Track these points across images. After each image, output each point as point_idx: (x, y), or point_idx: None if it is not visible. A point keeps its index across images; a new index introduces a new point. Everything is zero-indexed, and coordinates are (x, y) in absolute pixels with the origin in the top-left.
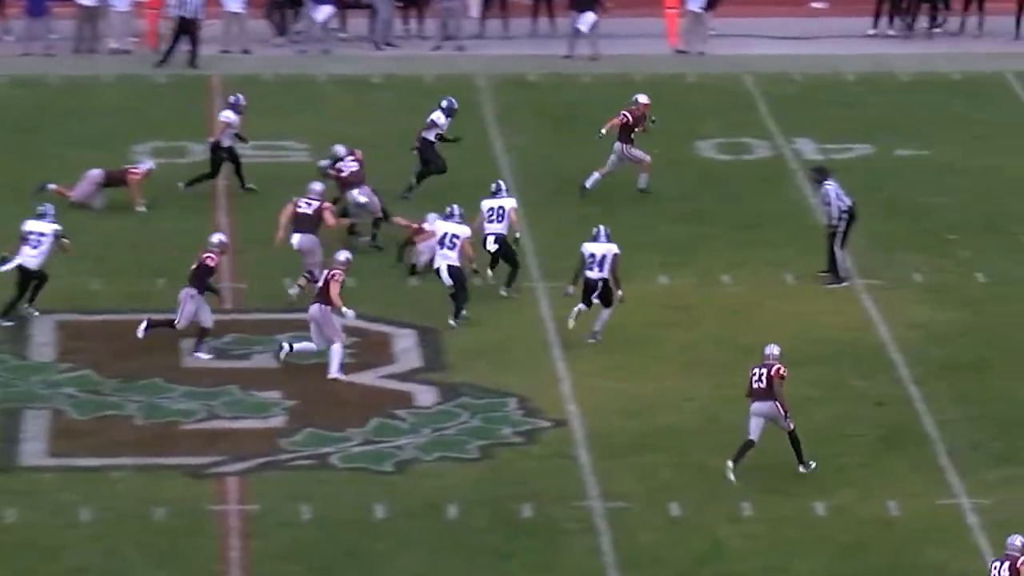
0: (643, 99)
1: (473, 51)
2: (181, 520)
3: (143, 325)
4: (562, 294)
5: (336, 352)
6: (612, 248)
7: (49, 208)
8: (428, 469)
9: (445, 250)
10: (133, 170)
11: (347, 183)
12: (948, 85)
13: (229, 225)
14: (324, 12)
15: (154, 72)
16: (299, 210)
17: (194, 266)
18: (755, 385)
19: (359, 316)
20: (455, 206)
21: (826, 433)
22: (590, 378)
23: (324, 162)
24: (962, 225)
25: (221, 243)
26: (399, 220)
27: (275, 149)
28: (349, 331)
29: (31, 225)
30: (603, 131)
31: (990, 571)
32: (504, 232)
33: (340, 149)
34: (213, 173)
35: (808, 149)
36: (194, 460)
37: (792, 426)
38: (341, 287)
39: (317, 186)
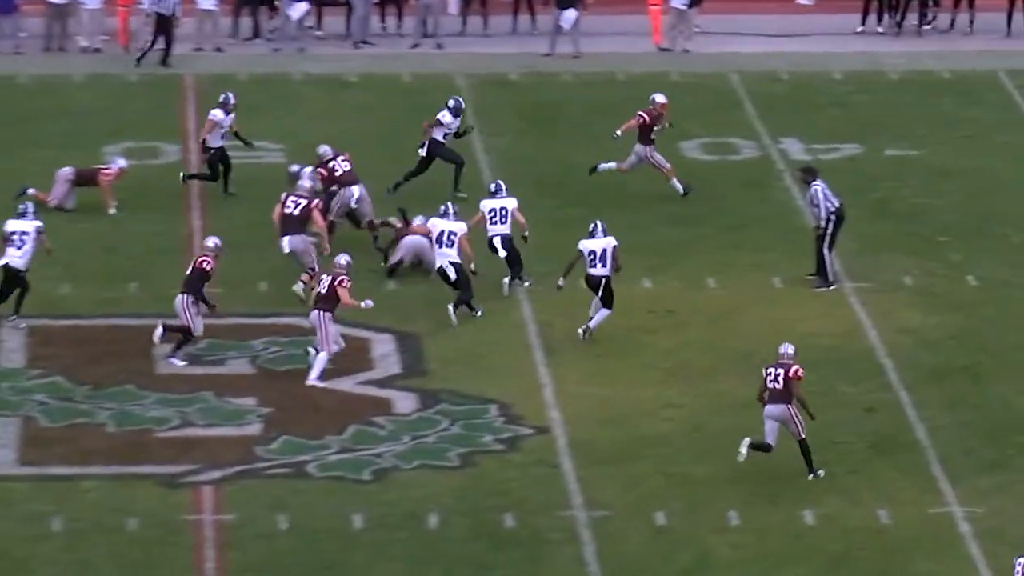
0: (660, 99)
1: (452, 49)
2: (155, 531)
3: (159, 331)
4: (555, 289)
5: (320, 360)
6: (611, 241)
7: (29, 206)
8: (407, 478)
9: (444, 248)
10: (105, 171)
11: (341, 183)
12: (939, 84)
13: (203, 228)
14: (299, 9)
15: (126, 71)
16: (286, 211)
17: (189, 271)
18: (770, 386)
19: (335, 321)
20: (450, 203)
21: (814, 440)
22: (573, 384)
23: (295, 167)
24: (953, 227)
25: (217, 247)
26: (392, 221)
27: (248, 149)
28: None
29: (12, 225)
30: (618, 132)
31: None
32: (508, 232)
33: (327, 150)
34: (212, 176)
35: (795, 149)
36: (168, 469)
37: (804, 435)
38: (350, 290)
39: (307, 183)
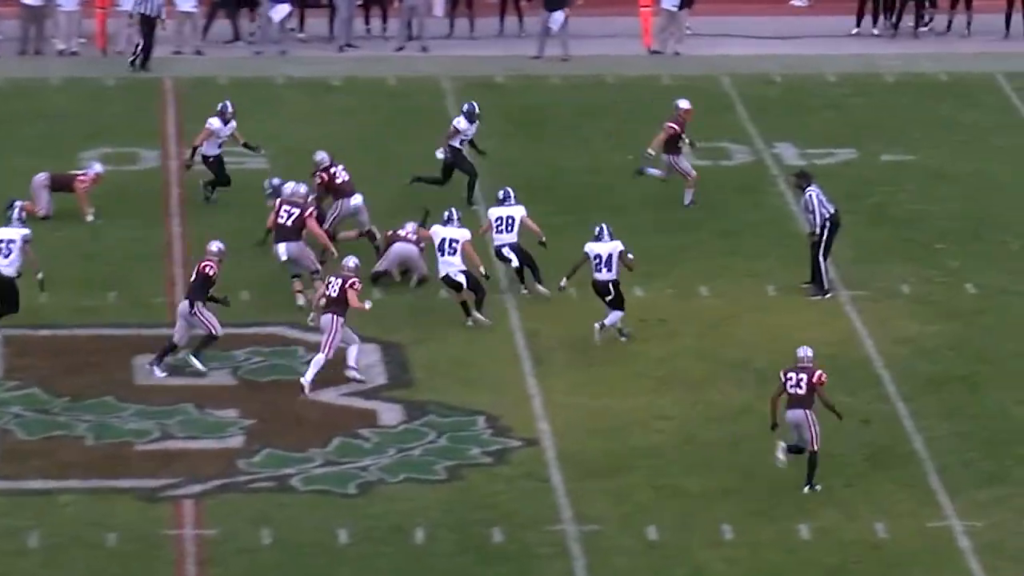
0: (684, 104)
1: (438, 52)
2: (135, 546)
3: (195, 362)
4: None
5: (317, 362)
6: (617, 245)
7: (15, 212)
8: (393, 491)
9: (446, 256)
10: (81, 177)
11: (341, 192)
12: (935, 87)
13: (183, 235)
14: (281, 11)
15: (103, 74)
16: (279, 221)
17: (192, 277)
18: (791, 391)
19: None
20: (453, 209)
21: None
22: (562, 394)
23: (275, 180)
24: (951, 233)
25: (220, 251)
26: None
27: (230, 155)
28: (312, 347)
29: None
30: (650, 151)
31: None
32: (516, 240)
33: (324, 156)
34: (222, 180)
35: (789, 154)
36: (148, 483)
37: (817, 446)
38: (359, 293)
39: (302, 188)
